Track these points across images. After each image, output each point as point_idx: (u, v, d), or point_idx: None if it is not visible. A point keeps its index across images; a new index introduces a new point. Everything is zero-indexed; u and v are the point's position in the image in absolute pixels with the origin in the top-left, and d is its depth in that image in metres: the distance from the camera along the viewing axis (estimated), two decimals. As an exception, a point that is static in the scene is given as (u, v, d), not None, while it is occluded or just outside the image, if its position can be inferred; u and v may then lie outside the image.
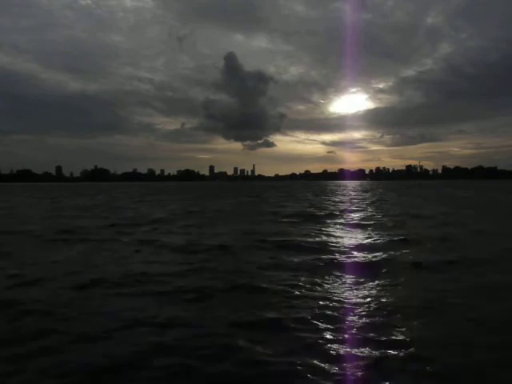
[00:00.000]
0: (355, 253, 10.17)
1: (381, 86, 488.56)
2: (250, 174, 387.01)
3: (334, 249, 10.78)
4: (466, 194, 49.99)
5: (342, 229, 15.53)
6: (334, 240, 12.41)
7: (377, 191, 62.85)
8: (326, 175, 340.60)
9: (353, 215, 20.92)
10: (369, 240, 12.26)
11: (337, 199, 39.66)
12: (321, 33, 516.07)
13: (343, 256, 9.73)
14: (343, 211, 23.50)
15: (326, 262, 9.03)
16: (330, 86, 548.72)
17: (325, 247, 11.08)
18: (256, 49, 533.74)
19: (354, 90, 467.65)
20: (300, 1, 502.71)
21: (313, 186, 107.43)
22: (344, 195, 49.93)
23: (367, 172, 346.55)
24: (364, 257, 9.66)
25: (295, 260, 9.35)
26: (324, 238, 13.03)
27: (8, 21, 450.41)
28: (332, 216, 20.54)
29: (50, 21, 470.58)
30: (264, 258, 9.71)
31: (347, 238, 12.76)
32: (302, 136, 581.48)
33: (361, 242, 12.01)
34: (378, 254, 9.94)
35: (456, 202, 32.08)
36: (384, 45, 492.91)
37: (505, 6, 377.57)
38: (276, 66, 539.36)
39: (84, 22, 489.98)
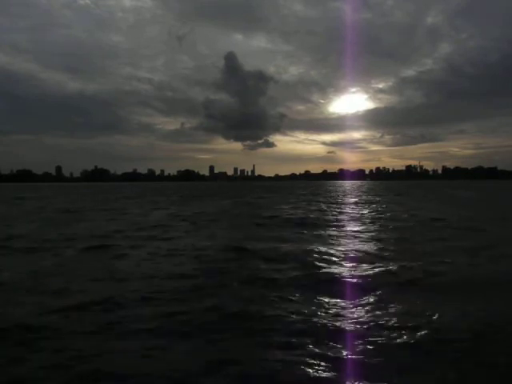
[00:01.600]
0: None
1: (381, 86, 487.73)
2: (249, 174, 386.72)
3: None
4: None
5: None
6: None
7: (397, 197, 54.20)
8: (325, 175, 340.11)
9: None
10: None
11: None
12: (320, 32, 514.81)
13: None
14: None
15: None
16: (329, 85, 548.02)
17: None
18: (255, 49, 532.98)
19: (353, 89, 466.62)
20: (299, 0, 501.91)
21: (312, 186, 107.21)
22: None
23: (367, 172, 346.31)
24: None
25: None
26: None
27: (7, 21, 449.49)
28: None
29: (49, 21, 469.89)
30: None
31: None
32: (302, 136, 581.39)
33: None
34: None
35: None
36: (384, 45, 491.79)
37: (505, 5, 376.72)
38: (276, 66, 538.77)
39: (83, 21, 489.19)
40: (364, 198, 43.59)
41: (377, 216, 20.83)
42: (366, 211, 24.47)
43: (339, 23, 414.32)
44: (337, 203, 33.56)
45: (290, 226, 16.57)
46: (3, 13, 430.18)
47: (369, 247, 11.32)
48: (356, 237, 13.38)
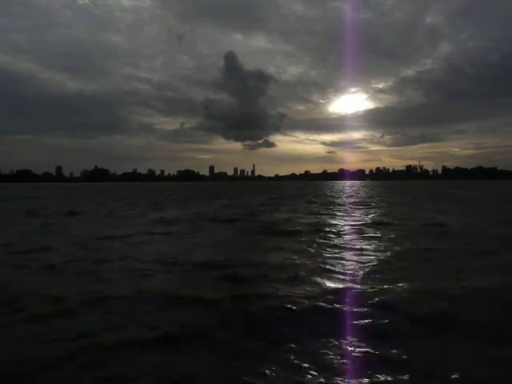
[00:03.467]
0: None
1: (381, 85, 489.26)
2: (249, 174, 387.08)
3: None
4: None
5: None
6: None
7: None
8: (325, 175, 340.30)
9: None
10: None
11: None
12: (320, 32, 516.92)
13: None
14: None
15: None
16: (329, 85, 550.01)
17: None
18: (255, 48, 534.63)
19: (353, 89, 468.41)
20: (299, 0, 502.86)
21: (313, 187, 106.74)
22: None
23: (367, 172, 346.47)
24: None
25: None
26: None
27: (7, 21, 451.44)
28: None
29: (49, 20, 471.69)
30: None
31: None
32: (302, 136, 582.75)
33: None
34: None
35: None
36: (384, 44, 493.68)
37: (505, 5, 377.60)
38: (275, 66, 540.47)
39: (82, 21, 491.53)
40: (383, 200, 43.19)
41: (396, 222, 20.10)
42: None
43: (339, 23, 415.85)
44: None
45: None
46: (3, 13, 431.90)
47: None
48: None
